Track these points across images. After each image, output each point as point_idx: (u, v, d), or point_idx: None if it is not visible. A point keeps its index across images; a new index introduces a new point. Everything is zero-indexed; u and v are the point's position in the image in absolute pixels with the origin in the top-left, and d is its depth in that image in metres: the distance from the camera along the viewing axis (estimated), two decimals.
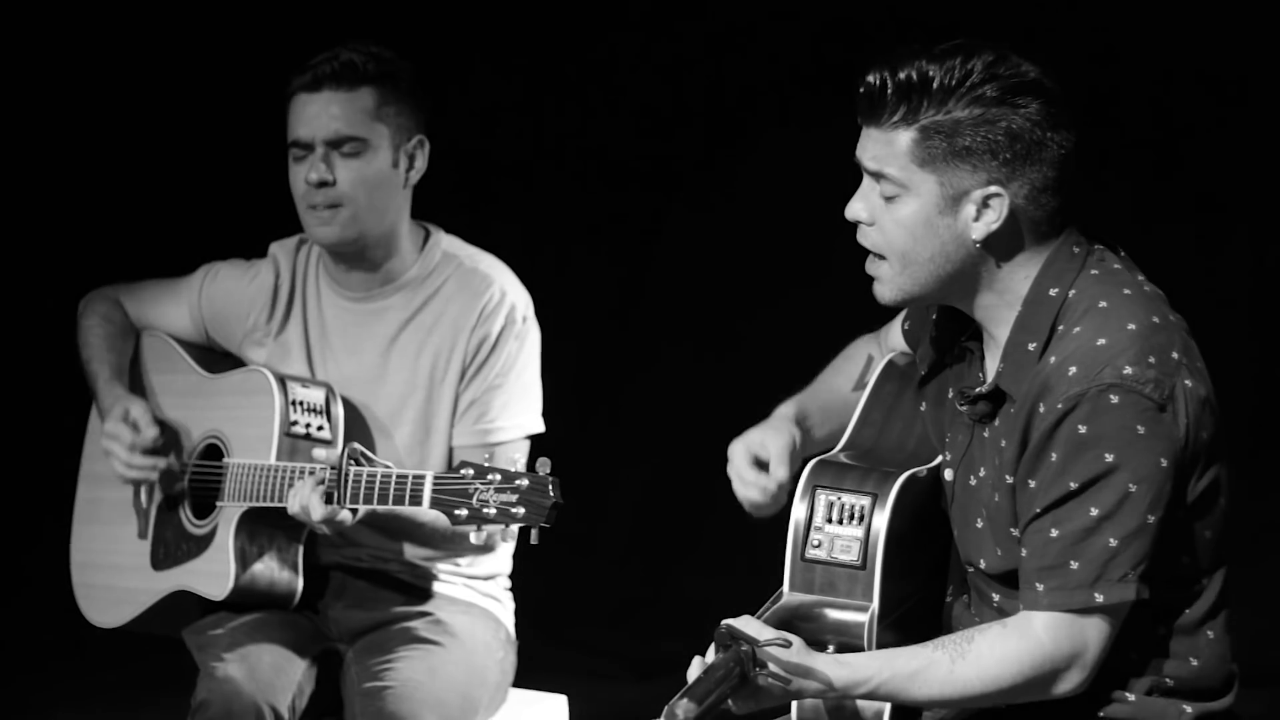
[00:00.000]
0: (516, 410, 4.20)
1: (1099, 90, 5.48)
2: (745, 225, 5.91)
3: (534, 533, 3.62)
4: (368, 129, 4.13)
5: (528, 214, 6.12)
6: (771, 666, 2.95)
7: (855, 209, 3.12)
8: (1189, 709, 3.09)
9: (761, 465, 3.31)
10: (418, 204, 4.29)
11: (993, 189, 3.03)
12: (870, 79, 3.05)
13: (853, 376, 3.50)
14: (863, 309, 3.51)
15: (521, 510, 3.59)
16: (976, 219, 3.05)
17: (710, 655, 2.96)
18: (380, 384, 4.21)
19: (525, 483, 3.59)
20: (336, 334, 4.26)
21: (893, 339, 3.51)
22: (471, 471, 3.64)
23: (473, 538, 3.65)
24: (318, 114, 4.12)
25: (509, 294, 4.22)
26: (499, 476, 3.61)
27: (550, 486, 3.57)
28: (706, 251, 6.00)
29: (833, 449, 3.30)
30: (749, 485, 3.30)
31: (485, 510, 3.61)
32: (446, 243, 4.30)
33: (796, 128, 5.84)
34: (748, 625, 2.97)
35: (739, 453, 3.35)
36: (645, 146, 6.06)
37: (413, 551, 4.22)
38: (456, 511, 3.64)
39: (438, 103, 4.21)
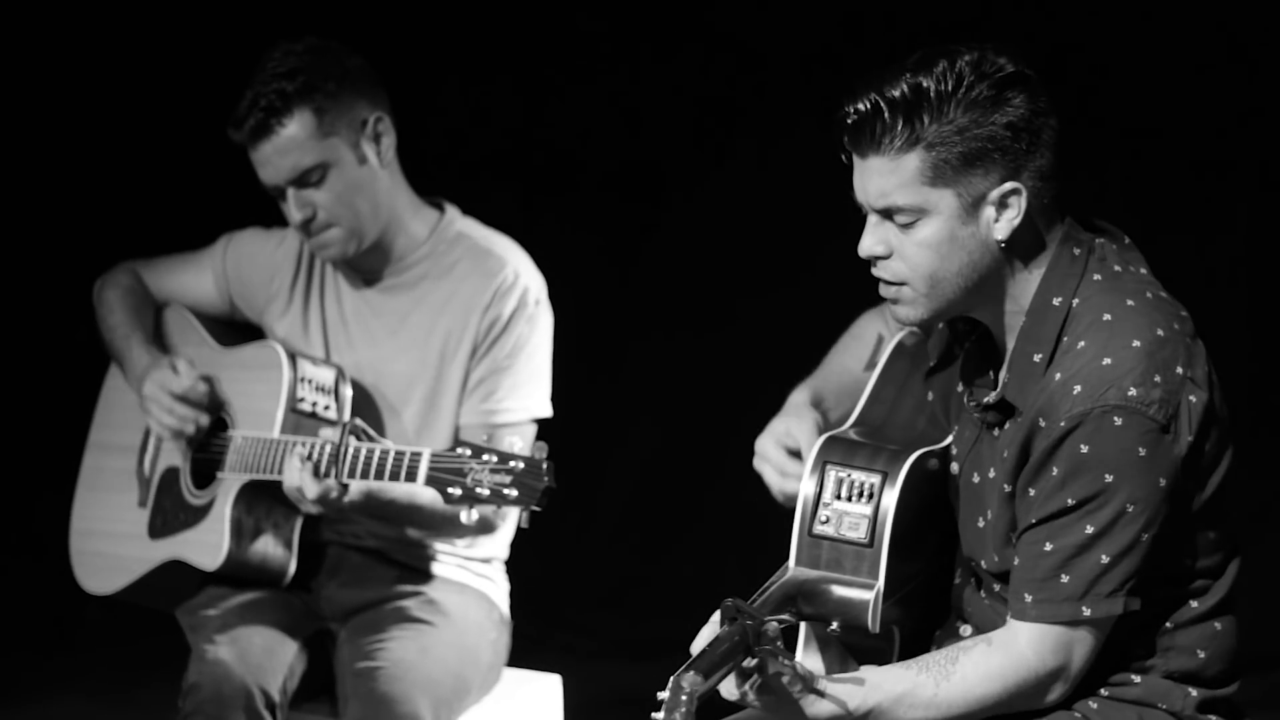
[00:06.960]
0: (524, 393, 4.18)
1: (1088, 73, 5.47)
2: (744, 207, 5.89)
3: (524, 515, 3.62)
4: (320, 152, 4.07)
5: (525, 192, 6.10)
6: (779, 644, 2.91)
7: (869, 246, 3.06)
8: (1194, 693, 3.10)
9: (793, 455, 3.28)
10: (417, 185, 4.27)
11: (1008, 185, 3.01)
12: (859, 106, 2.99)
13: (862, 357, 3.47)
14: (858, 292, 3.48)
15: (514, 492, 3.58)
16: (997, 219, 3.03)
17: (709, 629, 2.95)
18: (390, 362, 4.19)
19: (520, 465, 3.59)
20: (351, 315, 4.24)
21: None
22: (469, 451, 3.63)
23: (464, 517, 3.63)
24: (267, 162, 4.08)
25: (522, 276, 4.19)
26: (494, 457, 3.61)
27: (544, 470, 3.57)
28: (704, 232, 5.98)
29: (843, 425, 3.29)
30: (789, 477, 3.27)
31: (479, 490, 3.61)
32: (461, 223, 4.27)
33: (803, 108, 5.82)
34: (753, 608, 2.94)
35: (769, 446, 3.32)
36: (647, 127, 6.05)
37: (410, 531, 4.20)
38: (450, 490, 3.64)
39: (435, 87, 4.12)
